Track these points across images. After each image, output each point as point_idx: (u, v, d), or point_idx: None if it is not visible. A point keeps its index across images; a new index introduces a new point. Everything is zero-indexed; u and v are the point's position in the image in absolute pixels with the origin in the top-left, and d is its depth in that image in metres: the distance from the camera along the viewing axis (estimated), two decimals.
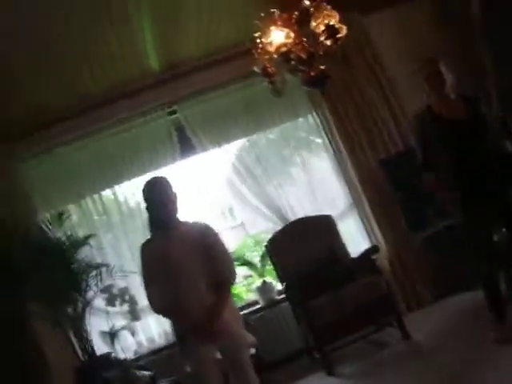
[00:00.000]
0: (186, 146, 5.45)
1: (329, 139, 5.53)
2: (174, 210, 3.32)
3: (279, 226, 5.31)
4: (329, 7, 3.89)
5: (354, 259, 4.92)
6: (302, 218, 5.23)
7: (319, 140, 5.65)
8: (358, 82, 5.29)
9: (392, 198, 5.27)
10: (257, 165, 5.52)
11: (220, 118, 5.40)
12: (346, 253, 5.02)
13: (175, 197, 3.34)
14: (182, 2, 4.50)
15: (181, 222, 3.36)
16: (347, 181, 5.50)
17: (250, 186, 5.49)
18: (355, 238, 5.42)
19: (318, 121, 5.54)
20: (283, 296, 5.18)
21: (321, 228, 5.09)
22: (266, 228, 5.87)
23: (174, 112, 5.39)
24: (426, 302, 5.13)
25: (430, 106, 3.79)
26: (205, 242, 3.28)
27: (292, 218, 5.36)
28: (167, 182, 3.38)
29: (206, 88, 5.28)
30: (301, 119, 5.66)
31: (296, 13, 3.95)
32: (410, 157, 5.10)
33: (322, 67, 3.99)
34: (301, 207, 5.49)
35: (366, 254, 4.83)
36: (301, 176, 5.61)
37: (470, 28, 5.21)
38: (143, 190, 3.37)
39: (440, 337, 4.32)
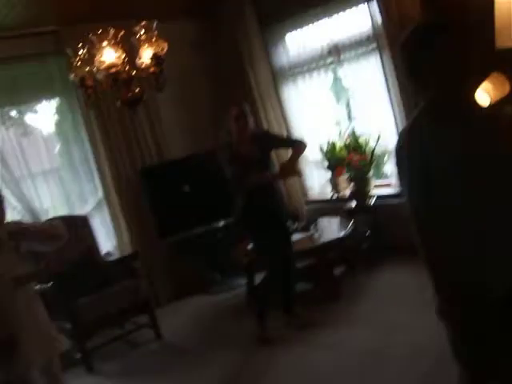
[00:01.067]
0: None
1: (88, 134, 5.78)
2: None
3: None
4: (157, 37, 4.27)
5: (113, 262, 5.36)
6: (60, 218, 5.36)
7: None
8: None
9: (144, 204, 5.86)
10: None
11: None
12: (101, 255, 5.43)
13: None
14: None
15: None
16: (101, 179, 5.83)
17: None
18: (100, 236, 5.77)
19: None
20: None
21: (77, 229, 5.34)
22: None
23: None
24: (165, 303, 5.86)
25: (231, 143, 4.56)
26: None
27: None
28: None
29: None
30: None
31: (123, 32, 4.24)
32: (166, 169, 5.89)
33: (138, 90, 4.37)
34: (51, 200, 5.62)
35: (127, 259, 5.34)
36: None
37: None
38: None
39: (188, 335, 5.19)
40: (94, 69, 4.18)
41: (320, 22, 5.80)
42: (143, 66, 4.32)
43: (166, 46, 4.28)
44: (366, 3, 5.39)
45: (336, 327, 4.52)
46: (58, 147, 5.99)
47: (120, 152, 5.82)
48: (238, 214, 4.67)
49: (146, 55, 4.30)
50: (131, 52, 4.34)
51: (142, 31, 4.20)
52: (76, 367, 4.85)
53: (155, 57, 4.25)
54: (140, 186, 5.86)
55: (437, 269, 2.11)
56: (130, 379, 4.66)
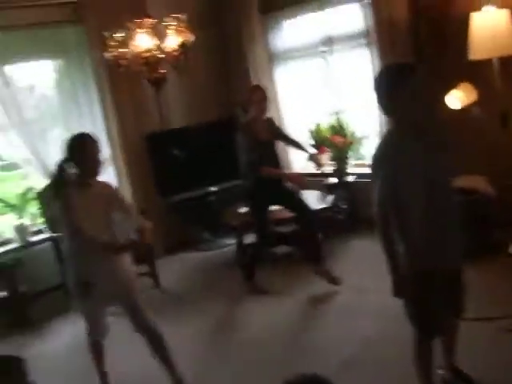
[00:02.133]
0: None
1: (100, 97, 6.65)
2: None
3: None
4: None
5: None
6: None
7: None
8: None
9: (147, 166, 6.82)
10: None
11: None
12: None
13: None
14: None
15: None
16: (109, 139, 6.74)
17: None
18: None
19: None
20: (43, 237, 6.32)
21: None
22: None
23: None
24: (160, 256, 6.81)
25: (249, 123, 5.31)
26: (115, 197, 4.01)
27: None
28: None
29: None
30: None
31: (153, 20, 5.12)
32: (169, 136, 6.84)
33: (164, 71, 5.29)
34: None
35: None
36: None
37: None
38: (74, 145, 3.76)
39: (183, 285, 6.21)
40: (128, 51, 5.08)
41: (316, 13, 6.73)
42: (169, 50, 5.23)
43: (192, 37, 5.19)
44: (359, 2, 6.34)
45: (315, 284, 5.55)
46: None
47: (128, 116, 6.74)
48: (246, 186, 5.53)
49: (173, 41, 5.20)
50: (159, 37, 5.23)
51: (174, 22, 5.09)
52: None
53: (183, 45, 5.16)
54: (145, 150, 6.80)
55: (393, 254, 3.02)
56: None
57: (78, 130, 6.43)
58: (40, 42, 6.37)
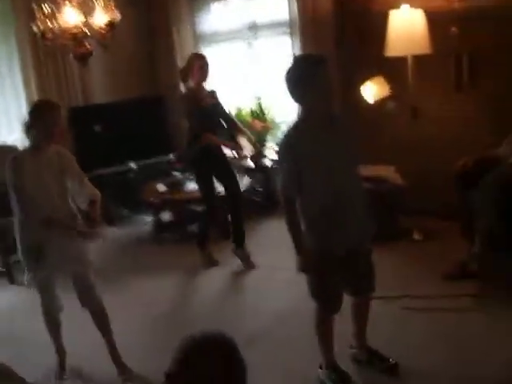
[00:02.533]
0: None
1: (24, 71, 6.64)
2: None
3: None
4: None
5: None
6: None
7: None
8: None
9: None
10: None
11: None
12: None
13: None
14: None
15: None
16: None
17: None
18: None
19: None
20: None
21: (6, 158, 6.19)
22: None
23: None
24: None
25: (192, 90, 5.44)
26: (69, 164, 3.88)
27: None
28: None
29: None
30: None
31: None
32: (90, 111, 6.87)
33: (90, 47, 5.32)
34: None
35: None
36: None
37: None
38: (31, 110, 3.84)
39: (101, 261, 6.27)
40: (56, 25, 5.08)
41: None
42: (96, 27, 5.27)
43: (119, 16, 5.26)
44: None
45: (229, 262, 5.73)
46: None
47: (51, 90, 6.72)
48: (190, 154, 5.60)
49: (100, 19, 5.24)
50: (86, 13, 5.26)
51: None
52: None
53: (110, 23, 5.22)
54: (66, 123, 6.76)
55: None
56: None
57: None
58: None
